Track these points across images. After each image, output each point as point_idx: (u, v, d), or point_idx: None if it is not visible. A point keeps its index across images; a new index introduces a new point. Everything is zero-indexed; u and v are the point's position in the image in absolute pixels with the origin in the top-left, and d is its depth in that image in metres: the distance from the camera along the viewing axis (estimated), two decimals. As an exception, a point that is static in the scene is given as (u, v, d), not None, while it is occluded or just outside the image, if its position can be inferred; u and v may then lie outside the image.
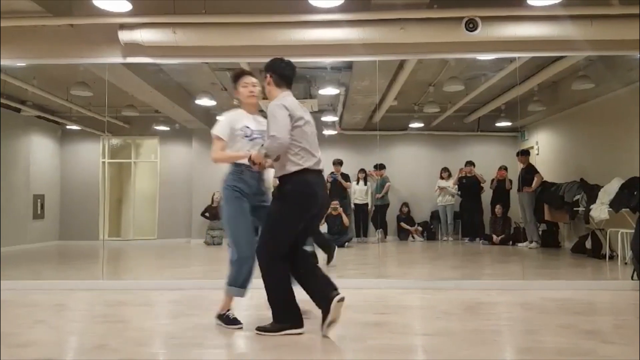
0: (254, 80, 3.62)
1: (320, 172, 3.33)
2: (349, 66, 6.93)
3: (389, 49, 5.36)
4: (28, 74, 7.29)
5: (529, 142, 9.54)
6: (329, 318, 3.09)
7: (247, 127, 3.52)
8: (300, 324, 3.22)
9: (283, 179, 3.24)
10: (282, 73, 3.37)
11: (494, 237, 8.95)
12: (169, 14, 5.11)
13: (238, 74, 3.63)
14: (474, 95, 8.14)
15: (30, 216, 9.52)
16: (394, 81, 7.22)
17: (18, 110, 9.09)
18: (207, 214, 10.10)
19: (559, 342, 3.06)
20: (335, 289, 3.17)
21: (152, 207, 10.66)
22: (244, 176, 3.47)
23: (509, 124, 9.41)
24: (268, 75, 3.37)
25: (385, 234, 9.67)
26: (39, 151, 10.03)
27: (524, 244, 8.37)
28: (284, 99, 3.26)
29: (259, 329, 3.25)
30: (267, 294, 3.24)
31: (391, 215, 9.87)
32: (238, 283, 3.42)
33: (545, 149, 9.25)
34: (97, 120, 9.12)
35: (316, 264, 3.45)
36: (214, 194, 10.08)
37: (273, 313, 3.25)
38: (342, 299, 3.09)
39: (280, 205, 3.25)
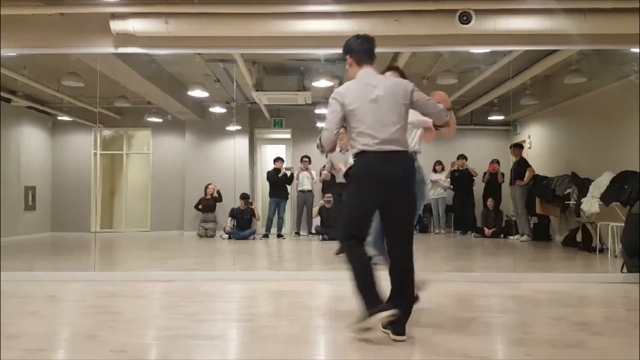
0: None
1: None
2: (343, 58, 6.90)
3: (383, 41, 5.26)
4: (18, 63, 7.21)
5: (521, 136, 9.58)
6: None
7: None
8: (377, 304, 2.86)
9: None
10: (360, 50, 3.20)
11: (486, 230, 9.00)
12: (161, 3, 5.06)
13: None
14: (467, 88, 8.15)
15: (21, 207, 9.46)
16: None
17: (8, 101, 9.01)
18: (200, 207, 10.07)
19: (550, 334, 3.08)
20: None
21: (144, 199, 10.62)
22: None
23: (501, 117, 9.44)
24: (347, 58, 3.24)
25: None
26: (30, 142, 9.95)
27: (516, 237, 8.43)
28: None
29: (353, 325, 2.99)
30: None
31: (384, 208, 9.88)
32: None
33: (537, 142, 9.29)
34: (88, 111, 9.06)
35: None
36: (207, 186, 10.06)
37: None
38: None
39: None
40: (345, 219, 3.07)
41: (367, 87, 3.05)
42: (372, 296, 2.90)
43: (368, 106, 3.00)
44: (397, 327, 2.90)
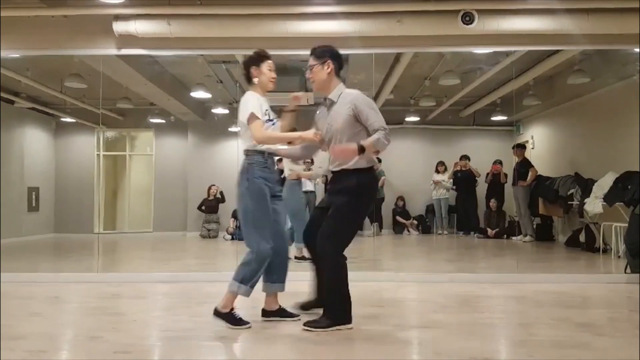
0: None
1: None
2: (344, 59, 6.90)
3: (385, 42, 5.34)
4: (21, 65, 7.22)
5: (524, 136, 9.55)
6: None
7: (267, 111, 3.47)
8: (350, 320, 3.16)
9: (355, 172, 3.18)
10: (341, 63, 3.38)
11: (489, 230, 8.98)
12: (163, 5, 5.07)
13: (263, 55, 3.53)
14: (469, 89, 8.14)
15: (25, 209, 9.48)
16: (390, 74, 7.20)
17: (11, 102, 9.02)
18: (203, 208, 10.08)
19: (553, 335, 3.07)
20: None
21: (147, 200, 10.63)
22: (269, 165, 3.34)
23: (504, 118, 9.41)
24: (329, 62, 3.31)
25: (381, 227, 9.67)
26: (33, 143, 9.98)
27: (519, 237, 8.40)
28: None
29: (308, 324, 3.15)
30: (329, 289, 3.17)
31: (386, 208, 9.88)
32: (251, 282, 3.24)
33: (540, 143, 9.27)
34: (91, 112, 9.09)
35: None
36: (210, 187, 10.07)
37: (328, 308, 3.17)
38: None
39: (351, 199, 3.14)
40: (350, 232, 3.19)
41: None
42: (349, 309, 3.14)
43: None
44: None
